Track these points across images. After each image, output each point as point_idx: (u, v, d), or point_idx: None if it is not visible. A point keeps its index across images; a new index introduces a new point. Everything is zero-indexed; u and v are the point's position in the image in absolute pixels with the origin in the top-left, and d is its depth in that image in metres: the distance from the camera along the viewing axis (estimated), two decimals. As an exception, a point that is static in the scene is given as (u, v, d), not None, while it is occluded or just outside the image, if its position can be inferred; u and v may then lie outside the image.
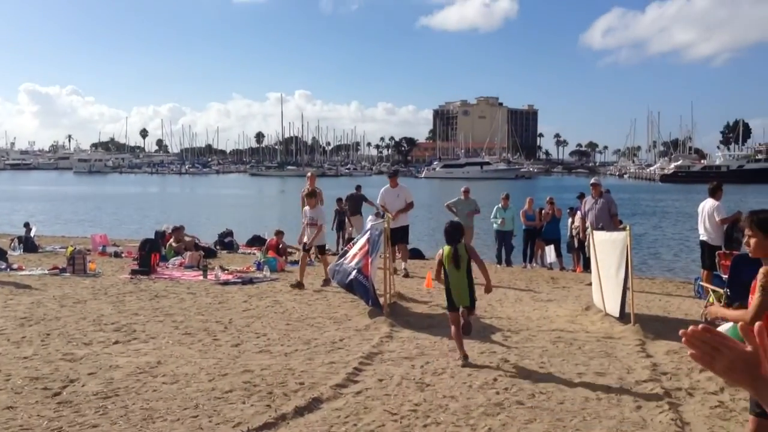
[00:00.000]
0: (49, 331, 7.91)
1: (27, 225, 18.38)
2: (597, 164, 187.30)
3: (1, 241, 16.31)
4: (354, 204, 18.01)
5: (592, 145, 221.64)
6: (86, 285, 11.31)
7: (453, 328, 7.13)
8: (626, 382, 6.39)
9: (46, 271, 12.77)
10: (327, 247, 17.51)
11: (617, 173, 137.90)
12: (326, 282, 11.52)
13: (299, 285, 11.38)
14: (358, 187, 18.68)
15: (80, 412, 5.25)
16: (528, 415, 5.44)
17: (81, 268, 12.62)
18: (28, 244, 16.71)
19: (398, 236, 13.84)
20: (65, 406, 5.39)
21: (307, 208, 12.12)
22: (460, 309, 7.14)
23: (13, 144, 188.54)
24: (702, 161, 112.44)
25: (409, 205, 13.77)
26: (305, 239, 12.04)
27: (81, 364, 6.57)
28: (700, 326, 1.45)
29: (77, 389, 5.82)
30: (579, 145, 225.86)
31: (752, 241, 3.86)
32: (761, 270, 3.86)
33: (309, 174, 16.76)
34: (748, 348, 1.41)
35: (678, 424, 5.21)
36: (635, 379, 6.45)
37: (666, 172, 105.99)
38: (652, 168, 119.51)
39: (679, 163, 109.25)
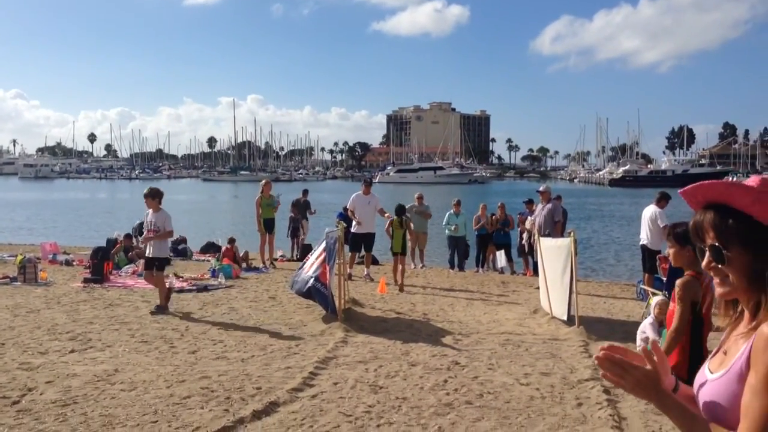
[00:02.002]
0: (3, 341, 7.89)
1: (-26, 233, 18.03)
2: (548, 169, 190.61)
3: (-52, 250, 15.98)
4: (301, 209, 18.25)
5: (544, 150, 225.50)
6: (38, 294, 11.24)
7: (398, 265, 12.32)
8: (569, 381, 6.73)
9: (-4, 281, 12.61)
10: (281, 254, 17.73)
11: (568, 178, 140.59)
12: (160, 309, 9.81)
13: (160, 309, 9.81)
14: (305, 192, 18.90)
15: (40, 419, 5.34)
16: (476, 414, 5.72)
17: (32, 276, 12.50)
18: (-24, 253, 16.40)
19: (365, 242, 14.16)
20: (25, 414, 5.47)
21: (149, 212, 10.22)
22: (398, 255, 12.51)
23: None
24: (649, 166, 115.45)
25: (381, 212, 14.26)
26: (148, 252, 10.22)
27: (38, 373, 6.61)
28: (602, 352, 1.68)
29: (36, 397, 5.88)
30: (530, 150, 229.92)
31: (671, 251, 4.21)
32: (677, 282, 4.19)
33: (264, 181, 16.90)
34: (649, 367, 1.67)
35: (615, 419, 5.55)
36: (578, 379, 6.79)
37: (614, 176, 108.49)
38: (601, 173, 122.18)
39: (626, 167, 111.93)
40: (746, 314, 1.69)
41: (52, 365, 6.93)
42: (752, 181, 1.67)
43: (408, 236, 14.05)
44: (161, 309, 9.84)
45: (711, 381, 1.70)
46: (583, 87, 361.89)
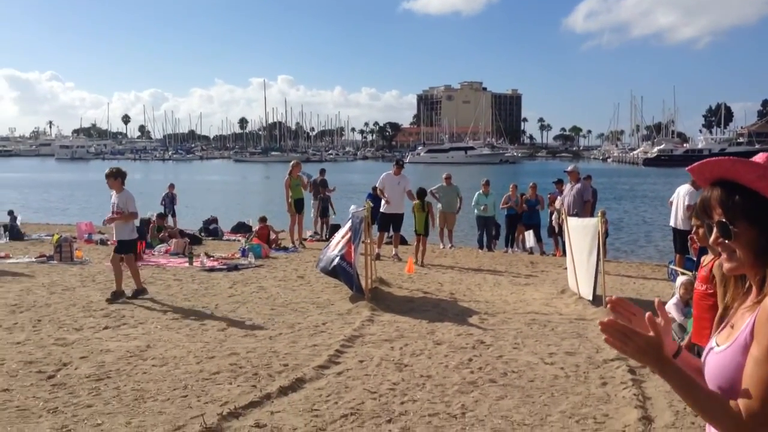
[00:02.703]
0: (40, 318, 8.14)
1: (11, 213, 18.45)
2: (581, 148, 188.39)
3: (-13, 230, 16.40)
4: (318, 188, 18.45)
5: (576, 130, 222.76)
6: (74, 272, 11.51)
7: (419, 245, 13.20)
8: (594, 360, 6.74)
9: (33, 259, 12.94)
10: (310, 234, 17.88)
11: (601, 157, 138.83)
12: (116, 295, 9.27)
13: (116, 295, 9.31)
14: (322, 171, 19.01)
15: (74, 394, 5.52)
16: (500, 392, 5.77)
17: (68, 255, 12.81)
18: (14, 232, 16.82)
19: (393, 223, 14.25)
20: (60, 388, 5.66)
21: (113, 193, 9.69)
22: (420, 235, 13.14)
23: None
24: (684, 145, 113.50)
25: (410, 194, 14.30)
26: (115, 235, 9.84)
27: (73, 349, 6.82)
28: (607, 319, 1.72)
29: (70, 372, 6.08)
30: (563, 129, 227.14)
31: (700, 231, 4.17)
32: (716, 264, 4.14)
33: (293, 162, 17.03)
34: (651, 333, 1.70)
35: (640, 399, 5.55)
36: (603, 358, 6.80)
37: (649, 156, 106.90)
38: (635, 152, 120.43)
39: (661, 147, 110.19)
40: (753, 289, 1.73)
41: (87, 341, 7.13)
42: (759, 157, 1.71)
43: (430, 218, 14.40)
44: (139, 292, 9.48)
45: (716, 353, 1.74)
46: (617, 64, 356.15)
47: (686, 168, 1.87)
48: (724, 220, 1.69)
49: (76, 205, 35.31)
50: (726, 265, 1.74)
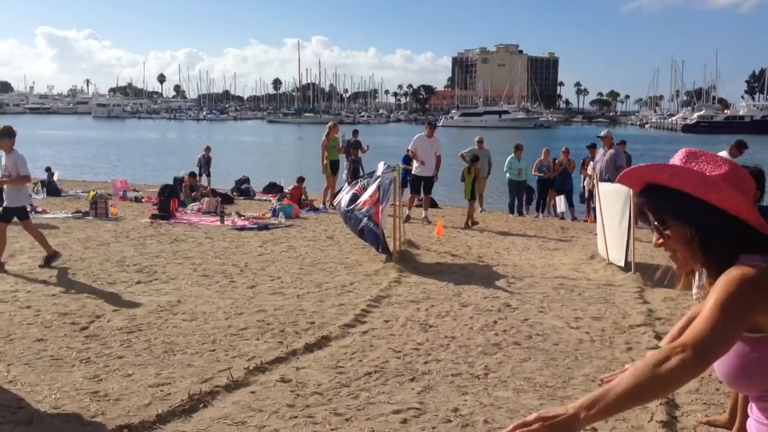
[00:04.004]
0: (74, 271, 8.34)
1: (49, 169, 18.82)
2: (618, 114, 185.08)
3: (25, 185, 16.74)
4: (350, 149, 18.40)
5: (614, 95, 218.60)
6: (108, 228, 11.74)
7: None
8: (620, 326, 6.71)
9: (70, 215, 13.22)
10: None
11: (638, 123, 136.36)
12: (49, 258, 8.57)
13: (50, 258, 8.58)
14: (355, 132, 19.00)
15: (107, 345, 5.68)
16: (523, 354, 5.79)
17: (103, 212, 13.05)
18: (51, 188, 17.17)
19: (424, 185, 14.24)
20: (92, 339, 5.82)
21: (2, 154, 8.64)
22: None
23: (32, 88, 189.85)
24: (725, 111, 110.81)
25: (439, 159, 14.29)
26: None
27: (106, 302, 6.99)
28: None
29: (103, 324, 6.24)
30: (600, 94, 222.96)
31: None
32: None
33: (331, 123, 17.10)
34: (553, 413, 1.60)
35: (664, 365, 5.52)
36: (629, 324, 6.77)
37: (688, 122, 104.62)
38: (674, 118, 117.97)
39: (702, 113, 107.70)
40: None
41: (120, 295, 7.31)
42: (676, 155, 1.77)
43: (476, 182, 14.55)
44: (51, 258, 8.59)
45: None
46: (657, 28, 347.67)
47: (617, 180, 1.94)
48: (656, 222, 1.74)
49: (107, 163, 35.80)
50: (675, 266, 1.78)
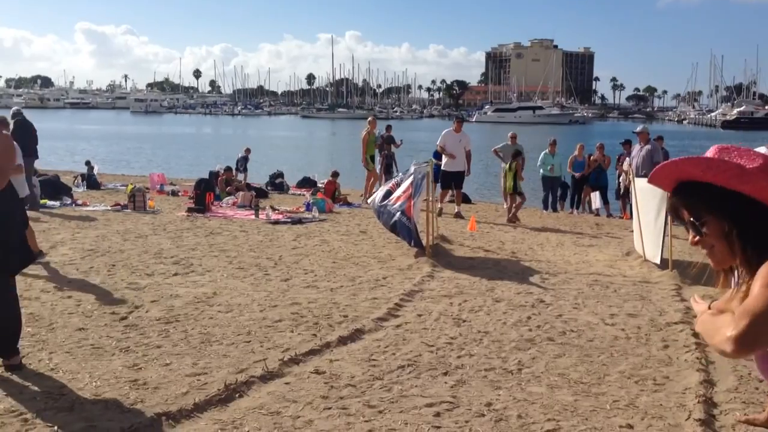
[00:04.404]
0: (114, 263, 8.50)
1: (89, 163, 19.16)
2: (655, 109, 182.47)
3: (66, 178, 17.09)
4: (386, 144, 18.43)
5: (651, 90, 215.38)
6: (146, 221, 11.94)
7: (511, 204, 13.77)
8: (657, 323, 6.64)
9: (109, 208, 13.46)
10: (375, 190, 17.98)
11: (676, 119, 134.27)
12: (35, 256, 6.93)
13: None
14: (389, 128, 19.00)
15: (145, 334, 5.79)
16: (558, 350, 5.76)
17: (141, 205, 13.27)
18: (91, 182, 17.49)
19: (454, 180, 14.22)
20: (131, 328, 5.93)
21: None
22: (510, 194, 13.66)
23: (72, 83, 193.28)
24: (766, 107, 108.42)
25: (469, 154, 14.21)
26: None
27: (144, 293, 7.12)
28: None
29: (142, 314, 6.36)
30: (637, 89, 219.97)
31: None
32: None
33: (370, 118, 17.24)
34: None
35: (702, 362, 5.45)
36: (666, 321, 6.69)
37: (728, 118, 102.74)
38: (713, 114, 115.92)
39: (742, 108, 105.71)
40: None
41: (157, 286, 7.43)
42: (710, 150, 1.74)
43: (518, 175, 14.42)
44: (35, 256, 7.18)
45: None
46: (696, 22, 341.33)
47: (647, 181, 1.93)
48: (692, 219, 1.72)
49: (143, 158, 36.30)
50: (712, 263, 1.77)
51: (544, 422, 4.30)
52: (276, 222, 12.39)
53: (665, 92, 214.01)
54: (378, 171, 18.53)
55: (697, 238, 1.73)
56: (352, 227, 12.16)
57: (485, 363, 5.40)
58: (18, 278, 5.23)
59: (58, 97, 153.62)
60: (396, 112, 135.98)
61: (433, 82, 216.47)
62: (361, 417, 4.33)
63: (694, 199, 1.71)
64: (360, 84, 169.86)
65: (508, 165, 14.39)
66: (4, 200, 4.90)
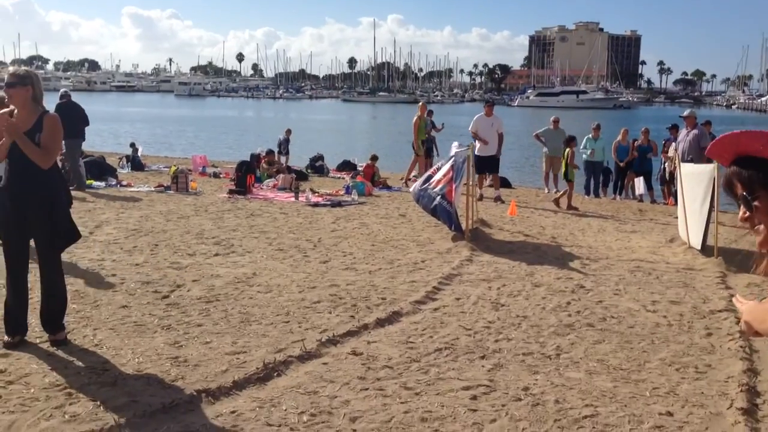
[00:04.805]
0: (157, 242, 8.65)
1: (133, 145, 19.50)
2: (703, 94, 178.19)
3: (111, 160, 17.43)
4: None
5: (699, 74, 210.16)
6: (188, 202, 12.11)
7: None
8: (700, 311, 6.51)
9: (152, 189, 13.68)
10: (414, 174, 17.99)
11: (725, 104, 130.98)
12: None
13: None
14: (430, 113, 18.89)
15: (186, 313, 5.89)
16: (597, 336, 5.69)
17: (183, 186, 13.46)
18: (135, 163, 17.80)
19: (489, 165, 14.10)
20: (173, 307, 6.04)
21: None
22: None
23: (118, 66, 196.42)
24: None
25: (501, 137, 14.07)
26: None
27: (186, 272, 7.24)
28: None
29: (183, 293, 6.47)
30: (684, 73, 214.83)
31: None
32: None
33: (421, 103, 17.25)
34: None
35: (746, 351, 5.34)
36: (710, 309, 6.56)
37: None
38: (763, 98, 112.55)
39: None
40: None
41: (199, 266, 7.54)
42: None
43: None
44: None
45: None
46: (747, 3, 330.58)
47: (706, 153, 1.87)
48: (744, 193, 1.69)
49: (184, 140, 36.75)
50: (758, 240, 1.73)
51: (581, 408, 4.27)
52: (316, 204, 12.46)
53: (714, 76, 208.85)
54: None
55: (747, 213, 1.71)
56: (391, 210, 12.16)
57: (523, 347, 5.37)
58: (64, 256, 5.36)
59: (105, 80, 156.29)
60: (437, 96, 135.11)
61: (475, 66, 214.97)
62: (398, 398, 4.34)
63: (751, 172, 1.68)
64: (401, 68, 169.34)
65: (563, 151, 14.27)
66: (52, 180, 5.02)
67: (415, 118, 16.43)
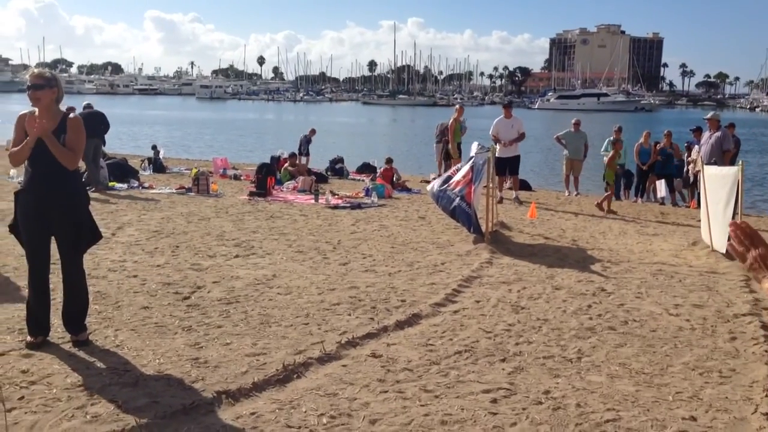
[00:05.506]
0: (178, 244, 8.70)
1: (155, 147, 19.64)
2: (726, 96, 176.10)
3: (133, 162, 17.57)
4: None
5: (722, 76, 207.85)
6: (209, 204, 12.18)
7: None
8: (724, 314, 6.42)
9: (174, 190, 13.78)
10: (433, 177, 17.96)
11: (749, 106, 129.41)
12: None
13: None
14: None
15: (206, 314, 5.91)
16: (619, 339, 5.63)
17: (204, 188, 13.54)
18: (157, 165, 17.94)
19: (509, 166, 14.04)
20: (194, 308, 6.07)
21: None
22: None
23: (140, 70, 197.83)
24: None
25: (521, 136, 14.07)
26: None
27: (206, 274, 7.27)
28: (741, 221, 1.65)
29: (203, 295, 6.49)
30: (707, 75, 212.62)
31: None
32: None
33: (457, 106, 17.26)
34: None
35: (771, 356, 5.26)
36: (734, 313, 6.47)
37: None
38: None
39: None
40: None
41: (219, 267, 7.57)
42: None
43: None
44: None
45: None
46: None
47: None
48: None
49: (202, 143, 36.88)
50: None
51: (603, 412, 4.22)
52: (335, 207, 12.47)
53: (737, 79, 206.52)
54: (437, 159, 18.46)
55: None
56: (411, 213, 12.14)
57: (544, 351, 5.32)
58: (86, 257, 5.40)
59: (128, 83, 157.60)
60: (457, 99, 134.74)
61: (496, 68, 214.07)
62: (417, 401, 4.32)
63: None
64: (421, 71, 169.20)
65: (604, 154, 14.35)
66: (76, 180, 5.07)
67: (452, 120, 16.40)
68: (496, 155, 13.73)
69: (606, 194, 13.68)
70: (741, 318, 6.30)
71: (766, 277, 1.65)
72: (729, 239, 1.66)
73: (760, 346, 5.48)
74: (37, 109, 4.88)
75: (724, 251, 8.79)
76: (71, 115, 5.04)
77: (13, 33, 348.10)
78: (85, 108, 13.61)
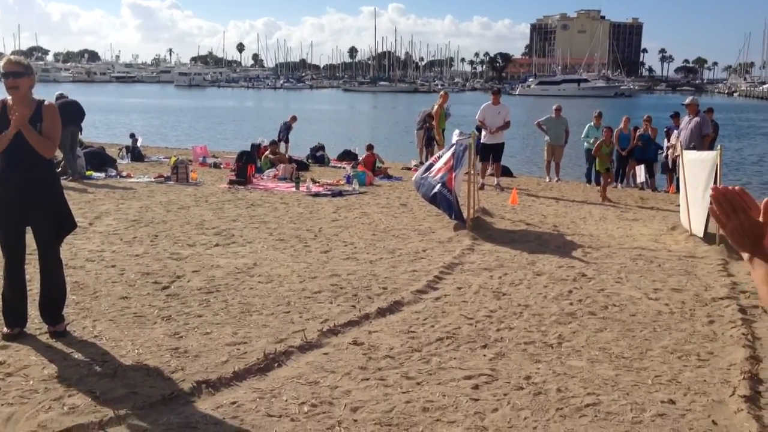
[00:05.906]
0: (157, 233, 8.63)
1: (133, 135, 19.42)
2: (705, 82, 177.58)
3: (111, 150, 17.37)
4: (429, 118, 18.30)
5: (701, 61, 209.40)
6: (189, 193, 12.08)
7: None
8: (702, 298, 6.49)
9: (152, 179, 13.64)
10: (414, 164, 17.95)
11: (726, 91, 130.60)
12: None
13: None
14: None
15: (186, 304, 5.87)
16: (599, 324, 5.67)
17: (184, 177, 13.42)
18: (135, 154, 17.75)
19: (494, 153, 14.06)
20: (173, 298, 6.02)
21: None
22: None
23: (117, 57, 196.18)
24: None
25: (507, 124, 14.05)
26: None
27: (186, 263, 7.21)
28: (736, 187, 1.64)
29: (183, 284, 6.45)
30: (686, 61, 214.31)
31: None
32: None
33: (442, 92, 17.23)
34: (760, 219, 1.60)
35: (749, 338, 5.32)
36: (712, 296, 6.53)
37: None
38: (765, 86, 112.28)
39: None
40: None
41: (199, 256, 7.52)
42: None
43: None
44: None
45: None
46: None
47: None
48: None
49: (180, 132, 36.50)
50: None
51: (583, 396, 4.25)
52: (316, 194, 12.42)
53: (716, 64, 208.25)
54: (417, 146, 18.44)
55: None
56: (393, 200, 12.12)
57: (525, 336, 5.35)
58: (63, 247, 5.34)
59: (105, 71, 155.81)
60: (438, 85, 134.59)
61: (476, 54, 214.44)
62: (399, 388, 4.32)
63: None
64: (402, 57, 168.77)
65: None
66: (51, 169, 5.00)
67: (436, 107, 16.38)
68: (482, 141, 13.77)
69: (604, 184, 13.70)
70: (719, 302, 6.36)
71: (746, 253, 1.64)
72: (710, 203, 1.64)
73: (737, 329, 5.53)
74: (10, 98, 4.79)
75: (702, 235, 8.87)
76: (46, 102, 4.96)
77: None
78: (58, 99, 13.38)
